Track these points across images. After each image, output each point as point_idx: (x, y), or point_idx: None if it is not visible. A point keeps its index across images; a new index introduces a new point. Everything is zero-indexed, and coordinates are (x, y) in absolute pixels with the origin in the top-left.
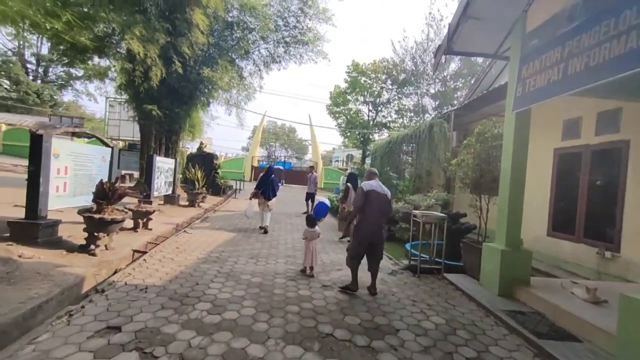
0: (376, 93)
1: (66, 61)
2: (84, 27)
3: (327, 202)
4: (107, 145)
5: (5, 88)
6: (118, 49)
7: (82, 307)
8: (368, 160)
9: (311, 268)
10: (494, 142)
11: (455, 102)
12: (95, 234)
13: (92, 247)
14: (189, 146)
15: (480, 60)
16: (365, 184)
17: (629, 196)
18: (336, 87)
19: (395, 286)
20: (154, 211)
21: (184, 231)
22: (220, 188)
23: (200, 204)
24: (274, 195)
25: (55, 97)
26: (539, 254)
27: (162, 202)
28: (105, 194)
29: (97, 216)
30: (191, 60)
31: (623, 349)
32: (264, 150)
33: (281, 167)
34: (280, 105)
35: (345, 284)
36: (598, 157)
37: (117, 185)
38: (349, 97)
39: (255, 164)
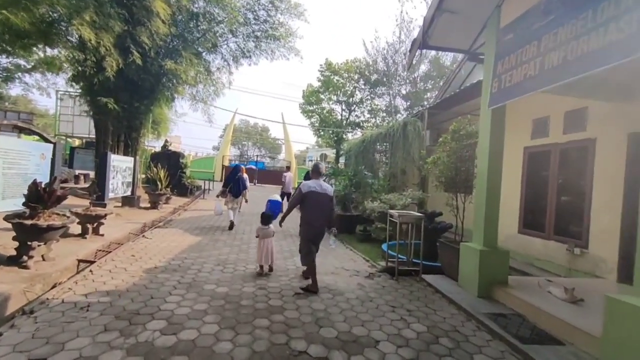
0: (349, 92)
1: (4, 48)
2: (22, 8)
3: (279, 198)
4: (47, 140)
5: None
6: (68, 37)
7: None
8: (342, 160)
9: (270, 268)
10: (469, 140)
11: (425, 103)
12: (29, 242)
13: (25, 258)
14: (155, 144)
15: (448, 62)
16: (304, 185)
17: (596, 193)
18: (309, 86)
19: (373, 291)
20: (105, 215)
21: (143, 236)
22: (187, 188)
23: (164, 205)
24: (241, 193)
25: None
26: (512, 252)
27: (119, 204)
28: (39, 197)
29: (28, 222)
30: (152, 51)
31: (608, 352)
32: (236, 150)
33: (254, 167)
34: (253, 103)
35: (307, 285)
36: (566, 155)
37: (55, 185)
38: (322, 96)
39: (226, 163)
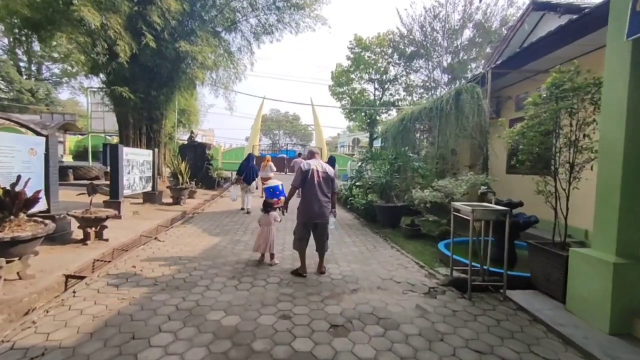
0: (382, 69)
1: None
2: None
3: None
4: (38, 133)
5: (0, 88)
6: (76, 22)
7: None
8: (377, 144)
9: (271, 256)
10: (576, 97)
11: (468, 74)
12: None
13: None
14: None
15: (497, 24)
16: (304, 163)
17: None
18: (338, 66)
19: (441, 319)
20: (106, 217)
21: (155, 238)
22: (214, 181)
23: (187, 200)
24: (253, 180)
25: (51, 95)
26: None
27: (140, 201)
28: (2, 203)
29: None
30: (165, 32)
31: None
32: (268, 139)
33: (285, 156)
34: (282, 91)
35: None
36: None
37: (22, 187)
38: (352, 75)
39: (257, 153)
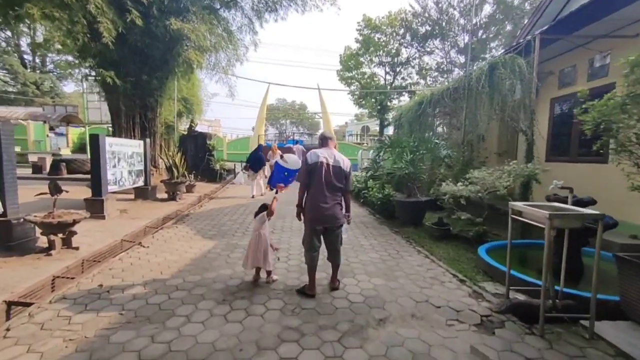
0: (393, 51)
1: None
2: None
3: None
4: None
5: (3, 81)
6: None
7: None
8: (387, 131)
9: (268, 273)
10: None
11: (487, 55)
12: None
13: None
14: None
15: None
16: (311, 154)
17: None
18: (346, 49)
19: None
20: (74, 221)
21: (139, 244)
22: (216, 173)
23: (185, 195)
24: (260, 168)
25: (56, 87)
26: None
27: (132, 196)
28: None
29: None
30: (154, 8)
31: None
32: (274, 129)
33: (292, 145)
34: (290, 80)
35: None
36: None
37: None
38: (361, 59)
39: (262, 142)
